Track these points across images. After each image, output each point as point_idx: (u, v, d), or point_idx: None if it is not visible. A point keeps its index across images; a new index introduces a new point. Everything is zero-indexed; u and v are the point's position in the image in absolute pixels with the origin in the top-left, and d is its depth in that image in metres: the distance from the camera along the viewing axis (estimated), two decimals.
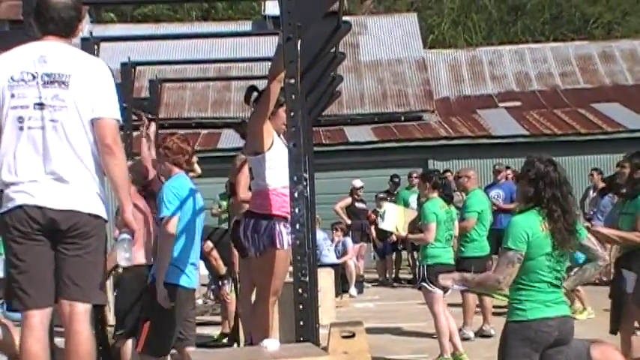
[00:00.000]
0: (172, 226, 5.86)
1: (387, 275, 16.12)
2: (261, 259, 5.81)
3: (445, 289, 8.40)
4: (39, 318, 4.16)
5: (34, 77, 4.19)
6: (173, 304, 5.85)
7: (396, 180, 16.51)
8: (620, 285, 6.62)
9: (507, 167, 14.74)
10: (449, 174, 13.32)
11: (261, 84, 6.04)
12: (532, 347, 4.46)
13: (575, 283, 4.90)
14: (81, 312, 4.20)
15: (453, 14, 35.78)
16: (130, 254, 4.60)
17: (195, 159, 11.17)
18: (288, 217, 5.71)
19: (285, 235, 5.75)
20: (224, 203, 13.58)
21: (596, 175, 15.29)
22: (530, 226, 4.49)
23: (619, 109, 22.30)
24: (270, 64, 5.72)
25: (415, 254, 15.35)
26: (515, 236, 4.48)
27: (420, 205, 12.76)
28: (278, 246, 5.76)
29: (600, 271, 5.47)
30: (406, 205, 13.97)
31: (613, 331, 6.82)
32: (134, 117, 9.22)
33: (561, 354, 4.57)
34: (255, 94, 6.04)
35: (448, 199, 8.85)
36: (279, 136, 5.97)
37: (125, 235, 4.51)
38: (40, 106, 4.17)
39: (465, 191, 10.24)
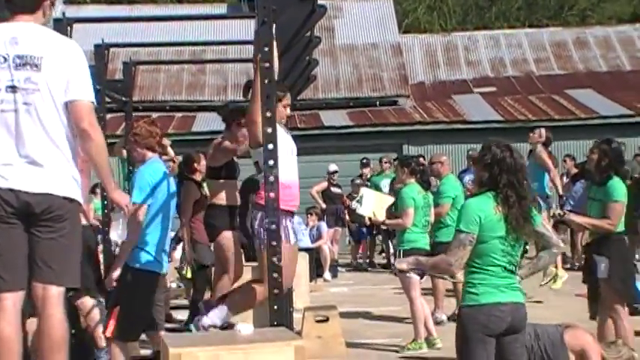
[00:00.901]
0: (142, 214, 5.86)
1: (361, 260, 16.18)
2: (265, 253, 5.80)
3: (422, 275, 8.45)
4: (12, 301, 4.13)
5: (5, 59, 4.14)
6: (142, 289, 5.84)
7: (365, 161, 16.48)
8: (593, 271, 6.69)
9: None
10: (421, 159, 13.34)
11: (235, 67, 6.02)
12: (485, 332, 4.44)
13: (529, 272, 4.89)
14: (54, 295, 4.18)
15: None
16: (122, 230, 4.61)
17: (168, 142, 11.11)
18: (295, 210, 5.83)
19: (290, 229, 5.74)
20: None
21: (569, 161, 15.42)
22: (483, 209, 4.49)
23: (592, 96, 22.47)
24: (249, 48, 5.68)
25: (389, 241, 15.43)
26: (467, 219, 4.48)
27: (392, 190, 12.81)
28: (284, 240, 5.74)
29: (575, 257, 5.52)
30: (377, 190, 13.99)
31: (592, 317, 6.89)
32: (108, 99, 9.13)
33: (517, 341, 4.56)
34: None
35: (425, 185, 8.87)
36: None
37: (117, 214, 4.53)
38: (13, 89, 4.13)
39: (439, 177, 10.27)
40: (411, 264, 4.99)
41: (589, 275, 6.79)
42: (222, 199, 6.93)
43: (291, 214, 5.76)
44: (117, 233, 4.61)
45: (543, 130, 11.75)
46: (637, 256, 12.27)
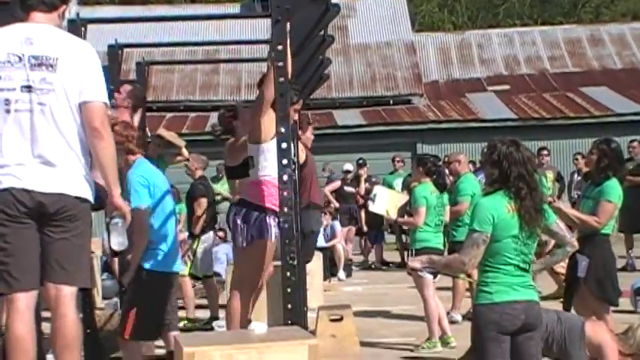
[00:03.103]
0: (147, 216, 5.80)
1: (373, 258, 16.15)
2: (248, 249, 5.82)
3: (435, 274, 8.43)
4: (25, 301, 4.14)
5: (20, 59, 4.15)
6: (156, 289, 5.84)
7: (361, 162, 16.40)
8: (574, 268, 6.69)
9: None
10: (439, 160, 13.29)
11: (249, 67, 6.02)
12: (499, 330, 4.45)
13: (541, 267, 4.92)
14: (67, 295, 4.18)
15: None
16: (123, 238, 4.59)
17: (182, 143, 11.12)
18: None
19: (273, 227, 5.77)
20: (215, 186, 13.55)
21: (580, 159, 15.31)
22: (496, 208, 4.49)
23: (607, 93, 22.36)
24: (262, 47, 5.72)
25: (404, 237, 15.40)
26: (481, 218, 4.48)
27: (405, 188, 12.77)
28: (266, 237, 5.77)
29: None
30: (390, 189, 13.95)
31: (566, 308, 6.84)
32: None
33: (532, 340, 4.55)
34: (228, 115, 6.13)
35: (441, 187, 8.82)
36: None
37: (117, 220, 4.50)
38: (28, 88, 4.14)
39: (457, 175, 10.24)
40: (425, 263, 4.98)
41: (570, 271, 6.77)
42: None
43: (276, 213, 5.72)
44: (118, 241, 4.57)
45: None
46: None
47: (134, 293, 5.90)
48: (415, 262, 5.03)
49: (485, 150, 4.76)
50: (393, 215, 9.11)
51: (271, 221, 5.77)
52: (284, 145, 5.10)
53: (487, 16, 34.65)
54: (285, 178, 5.06)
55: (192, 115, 21.89)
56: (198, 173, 10.04)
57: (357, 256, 16.33)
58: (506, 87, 23.45)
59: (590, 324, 5.98)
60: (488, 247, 4.48)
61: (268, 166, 5.76)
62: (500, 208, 4.49)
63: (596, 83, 23.23)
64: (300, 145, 7.46)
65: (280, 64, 5.14)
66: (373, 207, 9.27)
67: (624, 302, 7.91)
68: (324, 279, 12.43)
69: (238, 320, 5.86)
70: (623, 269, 11.62)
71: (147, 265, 5.83)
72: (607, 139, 6.90)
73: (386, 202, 9.12)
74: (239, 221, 5.80)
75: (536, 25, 30.68)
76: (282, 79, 5.16)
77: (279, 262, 5.46)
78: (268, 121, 5.72)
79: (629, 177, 12.81)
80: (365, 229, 15.90)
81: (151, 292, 5.84)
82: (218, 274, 12.21)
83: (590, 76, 23.86)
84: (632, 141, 14.37)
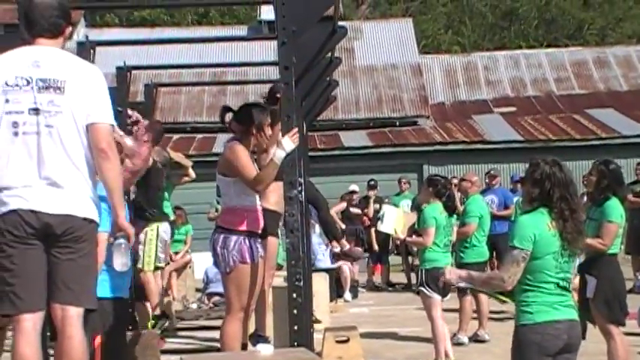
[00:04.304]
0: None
1: (379, 279, 16.12)
2: (232, 275, 5.85)
3: (444, 294, 8.41)
4: (32, 322, 4.15)
5: (28, 82, 4.19)
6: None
7: (372, 183, 16.40)
8: (584, 289, 6.70)
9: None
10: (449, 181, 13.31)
11: (256, 88, 6.05)
12: (541, 352, 4.36)
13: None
14: (73, 316, 4.19)
15: (446, 19, 35.85)
16: (126, 259, 4.58)
17: (189, 163, 11.13)
18: (259, 232, 5.90)
19: (254, 250, 5.84)
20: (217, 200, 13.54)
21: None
22: (537, 226, 4.42)
23: (613, 115, 22.35)
24: (269, 69, 5.76)
25: (410, 259, 15.37)
26: (521, 235, 4.41)
27: (415, 208, 12.76)
28: (247, 261, 5.81)
29: None
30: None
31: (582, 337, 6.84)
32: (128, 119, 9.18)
33: None
34: (229, 114, 6.08)
35: (450, 210, 8.81)
36: (254, 155, 6.05)
37: (121, 240, 4.50)
38: (36, 111, 4.18)
39: (466, 195, 10.26)
40: (463, 278, 4.83)
41: (580, 294, 6.77)
42: (271, 203, 6.72)
43: (256, 235, 5.89)
44: (121, 262, 4.57)
45: None
46: None
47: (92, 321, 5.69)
48: (453, 275, 4.91)
49: (527, 168, 4.69)
50: (402, 235, 9.10)
51: (251, 243, 5.84)
52: (291, 166, 5.12)
53: (493, 39, 34.77)
54: (290, 198, 5.07)
55: (199, 136, 21.94)
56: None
57: (363, 277, 16.30)
58: (513, 109, 23.46)
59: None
60: (528, 264, 4.41)
61: (238, 196, 5.87)
62: (542, 225, 4.43)
63: (602, 105, 23.23)
64: None
65: (287, 85, 5.17)
66: (382, 226, 9.26)
67: (632, 324, 7.88)
68: (330, 300, 12.41)
69: (233, 345, 5.85)
70: (631, 291, 11.56)
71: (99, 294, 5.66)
72: (606, 160, 6.96)
73: (394, 221, 9.11)
74: (218, 248, 5.86)
75: (542, 47, 30.76)
76: (288, 101, 5.18)
77: (284, 284, 5.46)
78: (248, 161, 5.82)
79: (635, 199, 12.81)
80: (376, 248, 15.84)
81: (105, 320, 5.66)
82: (224, 295, 12.17)
83: (596, 98, 23.87)
84: (639, 163, 14.36)
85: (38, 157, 4.17)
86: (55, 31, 4.34)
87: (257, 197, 5.97)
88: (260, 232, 5.99)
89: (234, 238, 5.82)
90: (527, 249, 4.39)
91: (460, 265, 9.29)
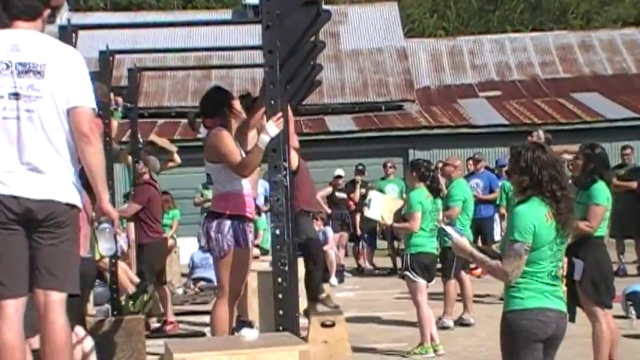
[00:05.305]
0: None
1: (364, 263, 16.16)
2: (226, 259, 5.87)
3: (429, 279, 8.45)
4: (14, 307, 4.12)
5: (7, 66, 4.14)
6: None
7: (360, 168, 16.42)
8: (571, 272, 6.73)
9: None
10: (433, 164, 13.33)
11: (241, 73, 6.02)
12: (531, 338, 4.30)
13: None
14: (56, 301, 4.17)
15: (431, 3, 35.79)
16: (111, 244, 4.56)
17: (174, 149, 11.08)
18: (251, 217, 6.01)
19: (248, 234, 5.92)
20: (206, 192, 13.49)
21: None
22: (536, 217, 4.32)
23: (598, 99, 22.42)
24: (254, 53, 5.79)
25: (395, 243, 15.40)
26: (522, 227, 4.29)
27: (407, 193, 12.78)
28: (242, 245, 5.86)
29: None
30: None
31: (571, 319, 6.87)
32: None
33: (549, 356, 4.41)
34: (199, 120, 6.24)
35: (435, 192, 8.84)
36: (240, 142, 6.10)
37: (105, 225, 4.48)
38: (15, 96, 4.13)
39: (449, 179, 10.29)
40: (467, 254, 4.57)
41: (568, 277, 6.80)
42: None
43: (249, 220, 5.98)
44: (106, 247, 4.54)
45: (541, 132, 11.69)
46: None
47: None
48: (461, 242, 4.58)
49: (510, 158, 4.63)
50: (389, 220, 9.11)
51: (244, 227, 5.91)
52: (275, 150, 5.10)
53: (478, 23, 34.74)
54: (275, 183, 5.05)
55: (184, 121, 21.82)
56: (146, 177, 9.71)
57: (349, 259, 16.33)
58: (498, 93, 23.49)
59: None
60: None
61: (229, 182, 5.92)
62: (540, 216, 4.34)
63: (587, 89, 23.30)
64: (293, 151, 7.47)
65: (271, 69, 5.14)
66: (368, 212, 9.26)
67: (616, 307, 7.92)
68: None
69: (224, 329, 5.87)
70: (615, 274, 11.63)
71: None
72: (592, 144, 7.00)
73: (381, 207, 9.11)
74: (212, 233, 5.88)
75: (527, 31, 30.77)
76: (272, 85, 5.15)
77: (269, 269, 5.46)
78: (233, 147, 5.89)
79: (620, 182, 12.86)
80: (359, 232, 15.90)
81: None
82: (209, 280, 12.19)
83: (581, 82, 23.93)
84: (624, 147, 14.43)
85: (19, 143, 4.13)
86: (33, 14, 4.28)
87: (247, 181, 5.99)
88: (251, 216, 6.06)
89: (227, 222, 5.86)
90: (528, 241, 4.29)
91: (444, 249, 9.32)
